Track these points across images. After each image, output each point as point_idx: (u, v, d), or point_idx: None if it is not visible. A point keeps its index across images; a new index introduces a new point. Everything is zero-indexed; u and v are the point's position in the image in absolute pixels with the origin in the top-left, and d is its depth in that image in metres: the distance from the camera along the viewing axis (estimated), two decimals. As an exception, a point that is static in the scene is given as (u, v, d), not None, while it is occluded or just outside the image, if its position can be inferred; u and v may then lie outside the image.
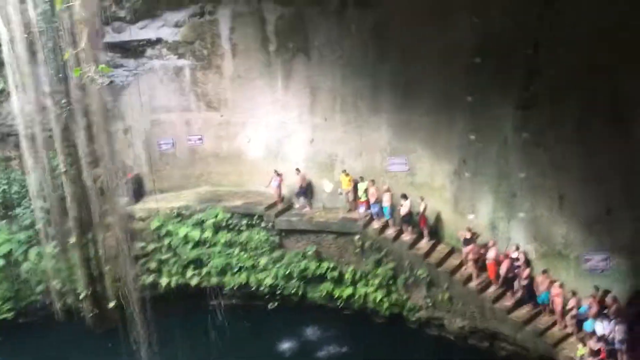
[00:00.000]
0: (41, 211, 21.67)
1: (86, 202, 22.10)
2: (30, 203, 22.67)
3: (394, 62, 21.08)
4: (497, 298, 19.54)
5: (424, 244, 21.32)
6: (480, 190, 20.19)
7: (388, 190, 21.64)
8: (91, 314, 22.53)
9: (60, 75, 21.80)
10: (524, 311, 19.05)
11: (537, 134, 18.26)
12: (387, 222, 21.92)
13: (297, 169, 23.57)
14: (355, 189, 22.56)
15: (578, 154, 17.66)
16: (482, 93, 19.22)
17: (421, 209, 21.04)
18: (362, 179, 22.22)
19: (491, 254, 19.43)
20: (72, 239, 22.29)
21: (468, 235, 19.95)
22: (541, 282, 18.39)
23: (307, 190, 23.67)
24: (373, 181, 21.90)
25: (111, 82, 22.79)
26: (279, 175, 23.54)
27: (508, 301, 19.35)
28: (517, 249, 19.03)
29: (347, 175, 22.62)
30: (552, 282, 18.25)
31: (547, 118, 17.97)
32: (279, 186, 23.53)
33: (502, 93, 18.77)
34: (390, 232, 21.81)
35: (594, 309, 16.97)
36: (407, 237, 21.49)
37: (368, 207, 22.09)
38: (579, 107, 17.28)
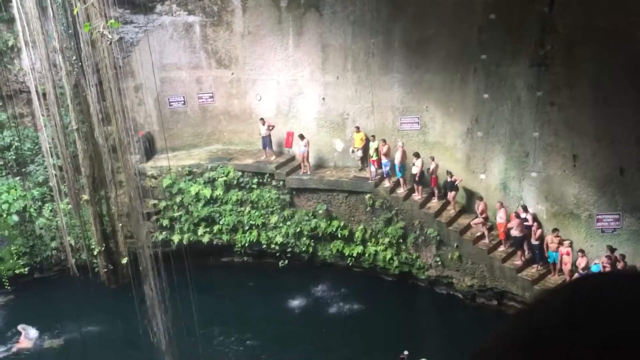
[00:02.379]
0: (54, 168, 21.80)
1: (98, 159, 22.23)
2: (43, 160, 22.80)
3: (406, 19, 20.72)
4: (507, 257, 19.61)
5: (435, 203, 21.32)
6: (492, 150, 20.05)
7: (399, 148, 21.51)
8: (105, 270, 22.93)
9: (70, 31, 21.67)
10: (534, 270, 19.13)
11: (552, 92, 18.01)
12: (398, 181, 21.88)
13: (262, 119, 23.14)
14: (366, 147, 22.42)
15: (592, 113, 17.45)
16: (496, 51, 18.91)
17: (432, 168, 20.97)
18: (373, 137, 22.06)
19: (501, 214, 19.41)
20: (85, 196, 22.52)
21: (450, 179, 20.36)
22: (551, 241, 18.39)
23: (271, 140, 23.16)
24: (384, 140, 21.74)
25: (121, 38, 22.58)
26: (303, 138, 22.50)
27: (517, 260, 19.41)
28: (526, 210, 18.98)
29: (360, 131, 22.35)
30: (561, 241, 18.26)
31: (561, 77, 17.69)
32: (306, 150, 22.47)
33: (516, 51, 18.46)
34: (401, 191, 21.78)
35: (607, 270, 16.99)
36: (417, 196, 21.47)
37: (379, 166, 22.00)
38: (594, 67, 16.98)
